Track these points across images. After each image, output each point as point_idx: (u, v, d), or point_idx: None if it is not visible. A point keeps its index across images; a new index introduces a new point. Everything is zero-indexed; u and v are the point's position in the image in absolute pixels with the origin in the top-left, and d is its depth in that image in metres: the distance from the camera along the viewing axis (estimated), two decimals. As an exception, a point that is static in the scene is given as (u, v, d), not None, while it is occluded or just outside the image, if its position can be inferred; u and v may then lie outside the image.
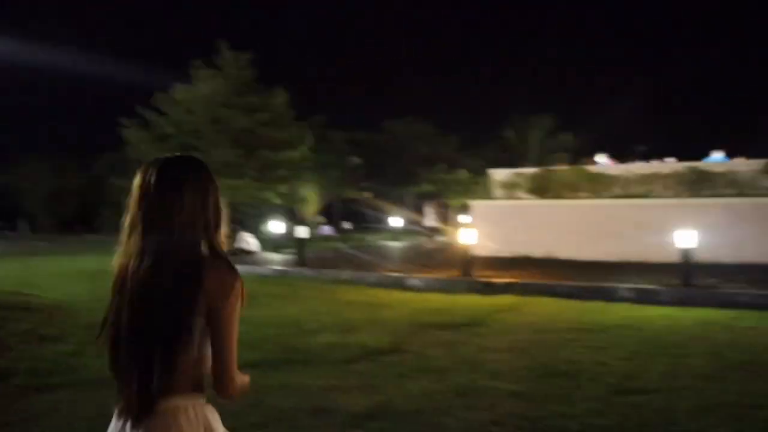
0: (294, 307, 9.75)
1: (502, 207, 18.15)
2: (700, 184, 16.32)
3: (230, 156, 20.76)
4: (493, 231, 17.27)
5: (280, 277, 14.16)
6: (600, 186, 17.47)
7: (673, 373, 5.79)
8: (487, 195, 19.48)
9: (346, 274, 13.41)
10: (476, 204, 18.89)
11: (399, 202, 47.95)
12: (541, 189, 18.19)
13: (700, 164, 16.93)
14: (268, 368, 5.93)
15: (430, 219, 20.91)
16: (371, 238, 29.12)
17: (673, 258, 13.28)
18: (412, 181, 42.75)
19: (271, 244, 21.16)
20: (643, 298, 10.25)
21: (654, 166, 18.23)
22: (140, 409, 1.56)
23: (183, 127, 21.13)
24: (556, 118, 43.51)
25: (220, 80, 21.50)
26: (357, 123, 46.38)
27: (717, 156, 17.77)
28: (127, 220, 1.67)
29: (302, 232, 14.79)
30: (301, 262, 14.71)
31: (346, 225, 25.89)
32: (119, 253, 1.68)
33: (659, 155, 21.67)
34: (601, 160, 19.91)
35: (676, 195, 16.54)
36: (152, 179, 1.64)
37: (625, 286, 10.75)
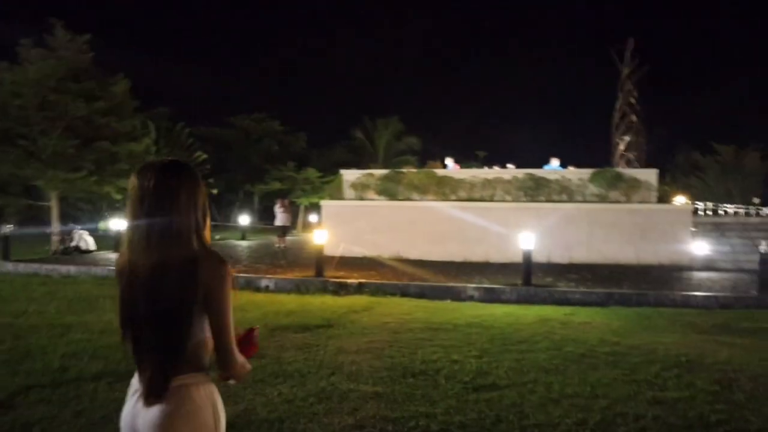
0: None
1: (352, 207, 18.34)
2: (537, 190, 17.52)
3: (64, 146, 19.11)
4: (345, 231, 17.40)
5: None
6: (447, 189, 18.18)
7: (521, 368, 6.12)
8: (338, 195, 19.56)
9: (193, 274, 12.83)
10: (327, 204, 18.93)
11: (247, 200, 46.97)
12: (391, 190, 18.59)
13: (537, 171, 18.16)
14: (114, 380, 5.51)
15: (279, 218, 20.55)
16: (218, 237, 28.20)
17: (514, 258, 14.20)
18: (261, 179, 42.01)
19: (110, 242, 19.77)
20: (488, 297, 10.80)
21: (496, 172, 19.30)
22: (157, 389, 1.81)
23: (9, 111, 19.10)
24: (402, 121, 44.71)
25: (53, 62, 19.67)
26: (204, 117, 44.73)
27: (554, 164, 19.14)
28: (129, 221, 1.88)
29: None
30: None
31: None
32: (123, 252, 1.90)
33: (501, 162, 23.04)
34: (449, 163, 20.74)
35: (516, 199, 17.63)
36: (151, 183, 1.86)
37: (471, 285, 11.26)
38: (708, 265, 15.78)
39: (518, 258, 15.02)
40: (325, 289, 11.35)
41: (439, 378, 5.77)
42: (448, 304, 10.40)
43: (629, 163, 26.59)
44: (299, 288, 11.48)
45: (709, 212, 21.87)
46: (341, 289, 11.27)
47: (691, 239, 16.24)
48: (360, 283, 11.40)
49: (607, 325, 8.58)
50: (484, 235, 16.88)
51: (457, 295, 10.95)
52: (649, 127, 26.83)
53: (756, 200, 34.61)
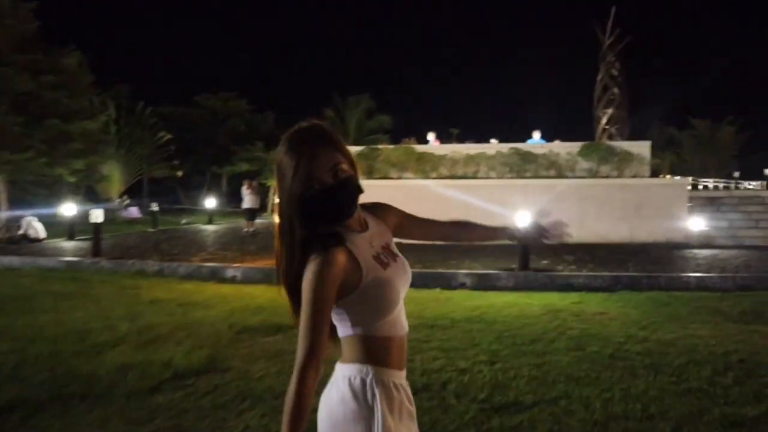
0: (82, 311, 7.80)
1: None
2: (524, 166, 16.42)
3: (8, 124, 17.40)
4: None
5: (69, 270, 11.81)
6: (427, 166, 16.98)
7: (544, 378, 4.98)
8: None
9: (151, 265, 11.46)
10: (299, 184, 17.59)
11: (214, 182, 45.30)
12: (366, 168, 17.32)
13: (523, 146, 17.05)
14: (28, 412, 4.22)
15: (246, 200, 19.16)
16: (183, 221, 26.69)
17: (504, 240, 13.24)
18: (228, 160, 40.36)
19: (62, 229, 18.16)
20: (482, 284, 9.65)
21: (479, 147, 18.12)
22: None
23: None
24: (374, 98, 43.27)
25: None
26: (169, 96, 42.76)
27: (536, 137, 18.05)
28: None
29: (97, 215, 12.48)
30: (96, 251, 12.44)
31: (154, 206, 23.27)
32: None
33: (477, 139, 21.79)
34: (430, 139, 19.46)
35: (501, 176, 16.52)
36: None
37: (463, 271, 10.10)
38: (706, 242, 14.88)
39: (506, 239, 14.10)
40: (299, 278, 10.09)
41: (448, 395, 4.59)
42: (438, 293, 9.21)
43: (611, 138, 25.59)
44: (270, 278, 10.18)
45: (700, 186, 21.07)
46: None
47: (687, 215, 15.31)
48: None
49: (625, 315, 7.49)
50: (468, 214, 15.55)
51: (447, 283, 9.78)
52: (633, 100, 25.89)
53: (736, 174, 34.15)
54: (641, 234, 15.00)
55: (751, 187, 33.75)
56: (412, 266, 1.92)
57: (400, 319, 1.77)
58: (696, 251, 13.56)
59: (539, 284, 9.55)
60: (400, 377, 1.74)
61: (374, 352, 1.67)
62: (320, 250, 1.58)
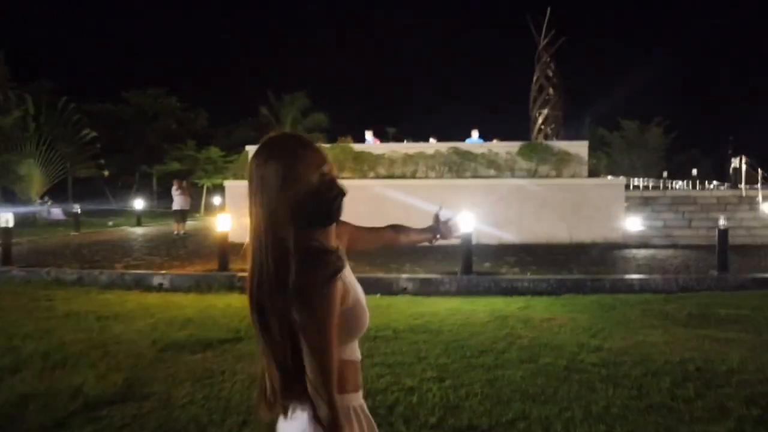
0: (-18, 328, 6.98)
1: (261, 188, 16.37)
2: (463, 165, 16.18)
3: None
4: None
5: (-26, 280, 10.78)
6: (365, 165, 16.53)
7: (498, 396, 4.60)
8: (243, 174, 17.52)
9: (69, 273, 10.57)
10: (232, 185, 16.85)
11: (144, 182, 43.63)
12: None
13: (462, 145, 16.81)
14: None
15: (176, 201, 18.26)
16: (110, 223, 25.39)
17: (441, 241, 12.98)
18: (159, 159, 38.86)
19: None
20: (425, 289, 9.28)
21: (418, 146, 17.78)
22: None
23: None
24: (309, 97, 42.57)
25: None
26: (94, 93, 40.90)
27: (474, 136, 17.85)
28: None
29: (6, 219, 11.44)
30: (5, 259, 11.41)
31: (76, 208, 22.00)
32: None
33: (415, 138, 21.49)
34: (368, 137, 19.00)
35: (440, 176, 16.23)
36: None
37: (404, 276, 9.70)
38: (643, 242, 15.00)
39: (446, 240, 13.86)
40: (231, 285, 9.45)
41: (396, 420, 4.14)
42: (379, 299, 8.76)
43: (547, 138, 25.83)
44: (200, 285, 9.52)
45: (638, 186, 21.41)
46: (251, 285, 9.42)
47: (624, 215, 15.40)
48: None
49: (573, 320, 7.22)
50: (407, 215, 15.23)
51: (388, 288, 9.36)
52: (568, 100, 26.17)
53: (664, 174, 35.13)
54: (580, 234, 14.99)
55: (678, 186, 34.81)
56: (352, 269, 1.74)
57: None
58: (635, 251, 13.61)
59: (483, 288, 9.25)
60: (359, 398, 1.67)
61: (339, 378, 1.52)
62: (332, 265, 1.47)
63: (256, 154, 1.58)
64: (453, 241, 1.95)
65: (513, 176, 16.04)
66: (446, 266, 10.67)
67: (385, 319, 7.34)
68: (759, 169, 17.04)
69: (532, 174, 16.13)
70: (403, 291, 9.31)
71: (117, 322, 7.10)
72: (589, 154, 17.39)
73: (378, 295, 9.00)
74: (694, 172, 35.17)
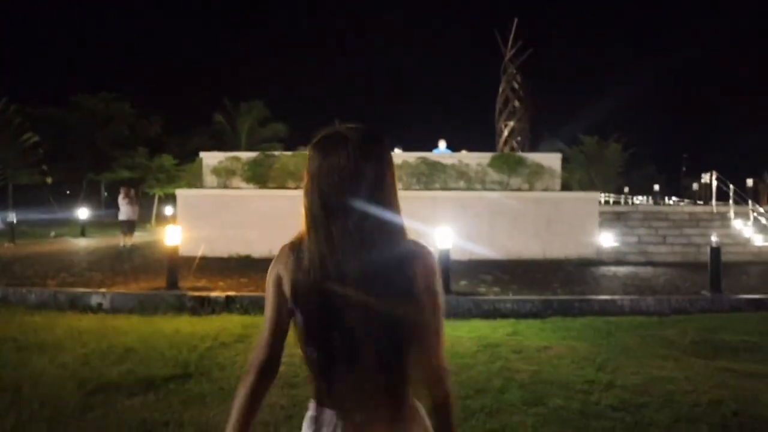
0: None
1: (215, 197, 15.24)
2: (432, 176, 15.39)
3: None
4: (206, 226, 14.37)
5: None
6: (328, 175, 15.56)
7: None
8: (198, 182, 16.38)
9: (-6, 290, 9.30)
10: (184, 194, 15.67)
11: (92, 190, 41.71)
12: (261, 177, 15.70)
13: (431, 155, 16.02)
14: None
15: (123, 211, 16.95)
16: (52, 234, 23.76)
17: None
18: (109, 167, 37.06)
19: None
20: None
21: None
22: (394, 412, 1.49)
23: None
24: (268, 106, 41.37)
25: None
26: (38, 96, 38.90)
27: (441, 146, 17.09)
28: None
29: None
30: None
31: (12, 216, 20.43)
32: (314, 259, 1.55)
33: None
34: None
35: (408, 187, 15.39)
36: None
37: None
38: (618, 259, 14.40)
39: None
40: (180, 306, 8.37)
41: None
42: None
43: (513, 150, 25.29)
44: (144, 306, 8.40)
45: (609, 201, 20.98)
46: (203, 306, 8.36)
47: (598, 231, 14.80)
48: (228, 297, 8.54)
49: (571, 349, 6.41)
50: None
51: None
52: (534, 113, 25.70)
53: (626, 189, 35.10)
54: (553, 250, 14.32)
55: (638, 201, 34.79)
56: None
57: None
58: (613, 269, 12.97)
59: (463, 310, 8.38)
60: None
61: None
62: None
63: (371, 143, 1.48)
64: None
65: (484, 189, 15.32)
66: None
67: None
68: (731, 185, 16.70)
69: (504, 186, 15.43)
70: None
71: (40, 353, 5.96)
72: (562, 167, 16.80)
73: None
74: (656, 187, 35.23)
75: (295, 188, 15.66)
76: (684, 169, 56.56)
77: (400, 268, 1.41)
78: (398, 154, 16.81)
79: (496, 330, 7.34)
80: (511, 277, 11.23)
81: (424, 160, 15.51)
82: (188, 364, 5.52)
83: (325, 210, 1.45)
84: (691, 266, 13.61)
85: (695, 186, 25.95)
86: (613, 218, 15.80)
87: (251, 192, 15.39)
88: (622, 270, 12.75)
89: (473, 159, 15.92)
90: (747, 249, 14.98)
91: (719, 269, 9.12)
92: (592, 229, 14.73)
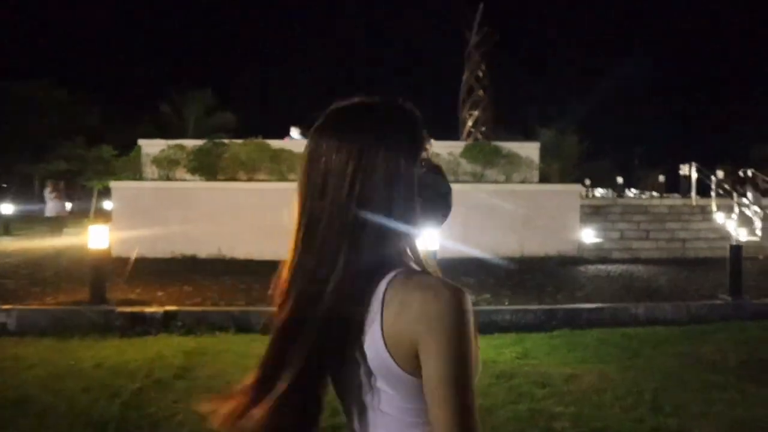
0: None
1: (156, 190, 13.47)
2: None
3: None
4: (144, 223, 12.65)
5: None
6: (285, 166, 14.01)
7: None
8: (136, 174, 14.59)
9: None
10: (119, 186, 13.85)
11: (24, 183, 38.99)
12: (209, 167, 14.01)
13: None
14: None
15: (50, 206, 14.99)
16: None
17: None
18: (42, 157, 34.47)
19: None
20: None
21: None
22: None
23: None
24: (216, 95, 39.35)
25: None
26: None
27: (294, 135, 15.78)
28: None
29: None
30: None
31: None
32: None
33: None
34: (294, 134, 16.35)
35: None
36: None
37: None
38: (603, 256, 13.30)
39: None
40: (106, 325, 6.73)
41: None
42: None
43: (477, 141, 24.04)
44: (61, 326, 6.70)
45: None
46: (136, 324, 6.75)
47: (579, 226, 13.68)
48: (167, 313, 6.95)
49: (603, 377, 5.12)
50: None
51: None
52: (499, 102, 24.60)
53: (587, 181, 34.47)
54: (532, 247, 13.11)
55: (599, 194, 34.26)
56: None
57: None
58: (600, 267, 11.83)
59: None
60: None
61: None
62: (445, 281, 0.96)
63: (346, 123, 1.07)
64: None
65: (457, 180, 13.98)
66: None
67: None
68: (713, 177, 15.85)
69: (478, 178, 14.15)
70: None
71: None
72: (540, 157, 15.65)
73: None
74: (620, 180, 34.67)
75: (248, 180, 14.05)
76: (636, 162, 56.75)
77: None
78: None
79: (501, 351, 5.99)
80: (495, 280, 9.96)
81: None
82: (106, 424, 3.97)
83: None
84: (680, 263, 12.66)
85: (661, 178, 25.39)
86: (592, 212, 14.69)
87: (197, 184, 13.70)
88: (611, 269, 11.62)
89: (444, 148, 14.57)
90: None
91: (740, 271, 7.99)
92: (573, 224, 13.59)
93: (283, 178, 14.00)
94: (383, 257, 1.00)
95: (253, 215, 13.02)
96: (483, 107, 24.27)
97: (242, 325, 6.81)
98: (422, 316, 0.92)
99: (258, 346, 6.00)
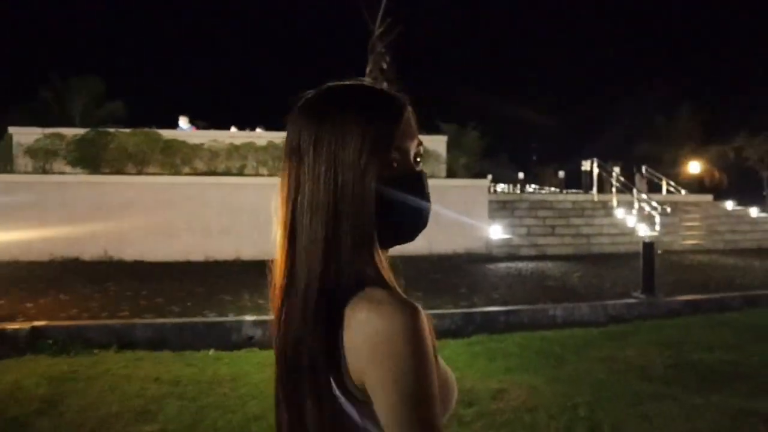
0: None
1: (30, 185, 12.06)
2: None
3: None
4: (18, 223, 11.31)
5: None
6: (178, 158, 12.96)
7: None
8: (6, 166, 13.05)
9: None
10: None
11: None
12: (92, 159, 12.73)
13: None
14: None
15: None
16: None
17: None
18: None
19: None
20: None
21: (247, 135, 14.50)
22: None
23: None
24: (104, 82, 36.83)
25: None
26: None
27: (182, 124, 15.09)
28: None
29: None
30: None
31: None
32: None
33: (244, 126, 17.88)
34: (183, 124, 15.22)
35: (275, 173, 13.18)
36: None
37: (250, 318, 6.56)
38: (511, 253, 13.16)
39: None
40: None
41: None
42: (214, 360, 5.62)
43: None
44: None
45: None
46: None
47: (487, 222, 13.48)
48: (35, 329, 5.96)
49: (532, 390, 4.68)
50: (234, 222, 12.18)
51: (224, 338, 6.23)
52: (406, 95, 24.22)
53: (489, 177, 34.95)
54: (440, 244, 12.76)
55: (500, 189, 34.77)
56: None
57: None
58: (510, 265, 11.63)
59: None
60: None
61: None
62: (397, 296, 0.86)
63: (316, 106, 0.92)
64: None
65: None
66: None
67: (253, 407, 4.27)
68: (613, 173, 16.15)
69: (385, 172, 13.69)
70: (249, 341, 6.21)
71: None
72: (448, 151, 15.38)
73: (211, 351, 5.84)
74: (521, 175, 35.39)
75: (137, 173, 12.88)
76: (534, 158, 58.46)
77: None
78: (262, 134, 14.53)
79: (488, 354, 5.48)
80: (405, 281, 9.40)
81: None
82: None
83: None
84: (587, 259, 12.71)
85: (561, 174, 25.96)
86: (500, 208, 14.60)
87: (79, 178, 12.38)
88: (521, 266, 11.44)
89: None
90: (633, 239, 14.31)
91: (653, 269, 7.88)
92: (481, 220, 13.38)
93: (176, 171, 12.96)
94: (358, 271, 0.87)
95: (143, 212, 11.95)
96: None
97: (126, 341, 5.95)
98: (366, 339, 0.80)
99: (145, 366, 5.16)
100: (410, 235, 0.96)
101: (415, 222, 0.95)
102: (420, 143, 0.95)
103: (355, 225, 0.86)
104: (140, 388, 4.63)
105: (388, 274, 0.93)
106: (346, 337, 0.82)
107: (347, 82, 0.95)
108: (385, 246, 0.93)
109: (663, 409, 4.31)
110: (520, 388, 4.75)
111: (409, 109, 0.95)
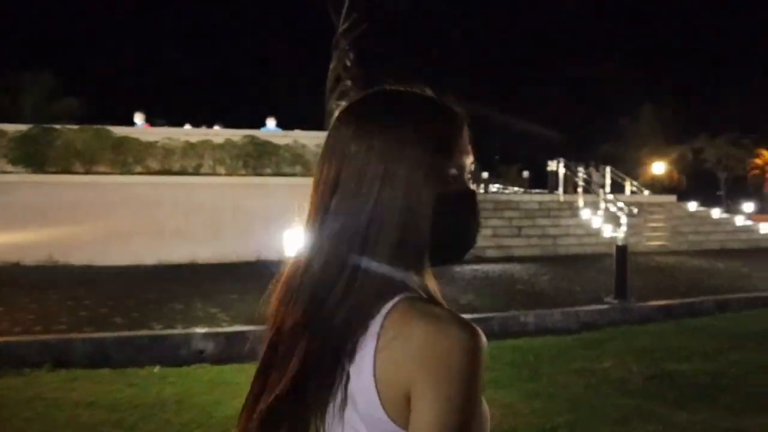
0: None
1: (-31, 185, 11.31)
2: (262, 160, 12.76)
3: None
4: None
5: None
6: (130, 156, 12.32)
7: None
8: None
9: None
10: None
11: None
12: (36, 158, 12.00)
13: (260, 134, 13.37)
14: None
15: None
16: None
17: (235, 257, 11.18)
18: None
19: None
20: (230, 351, 5.74)
21: (204, 133, 13.90)
22: None
23: None
24: (58, 78, 35.61)
25: None
26: None
27: (270, 125, 14.58)
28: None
29: None
30: None
31: None
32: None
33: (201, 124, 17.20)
34: (138, 121, 14.51)
35: (233, 172, 12.65)
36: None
37: (201, 331, 6.07)
38: (477, 255, 12.78)
39: (244, 256, 11.07)
40: None
41: None
42: (158, 378, 5.12)
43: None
44: None
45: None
46: None
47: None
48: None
49: (506, 408, 4.34)
50: (188, 224, 11.66)
51: (172, 353, 5.74)
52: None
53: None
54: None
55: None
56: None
57: None
58: (476, 267, 11.29)
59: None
60: None
61: None
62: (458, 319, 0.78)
63: (372, 112, 0.89)
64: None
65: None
66: (254, 303, 7.24)
67: (179, 420, 3.81)
68: (579, 172, 15.98)
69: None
70: (199, 356, 5.73)
71: None
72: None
73: (156, 368, 5.33)
74: (485, 174, 35.17)
75: (85, 173, 12.19)
76: (497, 157, 58.62)
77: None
78: (220, 132, 13.97)
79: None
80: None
81: (254, 140, 12.81)
82: None
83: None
84: (554, 261, 12.47)
85: (526, 173, 25.89)
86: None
87: (21, 177, 11.65)
88: (488, 269, 11.12)
89: (310, 139, 13.53)
90: (599, 240, 14.17)
91: (626, 274, 7.62)
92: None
93: (128, 170, 12.32)
94: (392, 277, 0.82)
95: (92, 214, 11.31)
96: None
97: (62, 359, 5.41)
98: (422, 353, 0.74)
99: (80, 387, 4.62)
100: (460, 254, 0.91)
101: (467, 240, 0.90)
102: (473, 161, 0.92)
103: (405, 241, 0.82)
104: (71, 415, 4.12)
105: (436, 291, 0.89)
106: (381, 345, 0.77)
107: (404, 88, 0.91)
108: (434, 264, 0.89)
109: (649, 430, 3.99)
110: (495, 407, 4.36)
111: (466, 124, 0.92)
